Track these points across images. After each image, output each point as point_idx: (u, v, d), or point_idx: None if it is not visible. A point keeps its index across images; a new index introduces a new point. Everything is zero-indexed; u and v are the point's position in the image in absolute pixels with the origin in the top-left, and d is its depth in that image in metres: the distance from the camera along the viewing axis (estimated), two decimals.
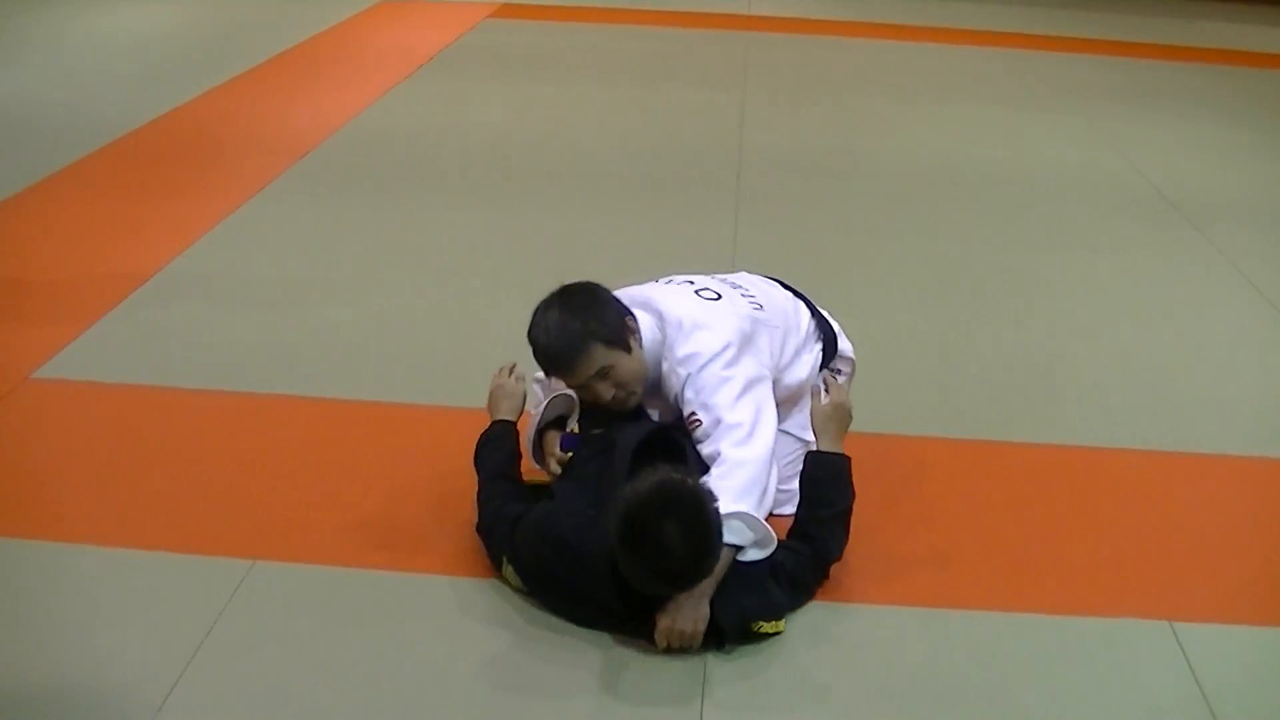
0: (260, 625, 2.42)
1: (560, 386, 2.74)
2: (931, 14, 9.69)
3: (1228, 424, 3.44)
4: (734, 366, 2.60)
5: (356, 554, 2.65)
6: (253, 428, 3.17)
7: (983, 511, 2.93)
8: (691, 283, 2.85)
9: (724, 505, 2.35)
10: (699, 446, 2.58)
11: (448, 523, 2.76)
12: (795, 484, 2.66)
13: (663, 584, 2.30)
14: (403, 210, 4.82)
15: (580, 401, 2.74)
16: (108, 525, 2.72)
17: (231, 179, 5.09)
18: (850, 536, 2.59)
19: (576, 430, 2.75)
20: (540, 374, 2.78)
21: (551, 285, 2.70)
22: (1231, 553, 2.86)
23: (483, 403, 2.81)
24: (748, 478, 2.47)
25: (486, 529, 2.62)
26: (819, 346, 2.93)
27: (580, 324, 2.57)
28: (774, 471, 2.54)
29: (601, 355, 2.57)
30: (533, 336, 2.63)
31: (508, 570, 2.53)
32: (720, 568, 2.36)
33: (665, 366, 2.66)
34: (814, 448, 2.67)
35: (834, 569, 2.59)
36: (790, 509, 2.65)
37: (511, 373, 2.85)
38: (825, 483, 2.61)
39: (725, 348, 2.61)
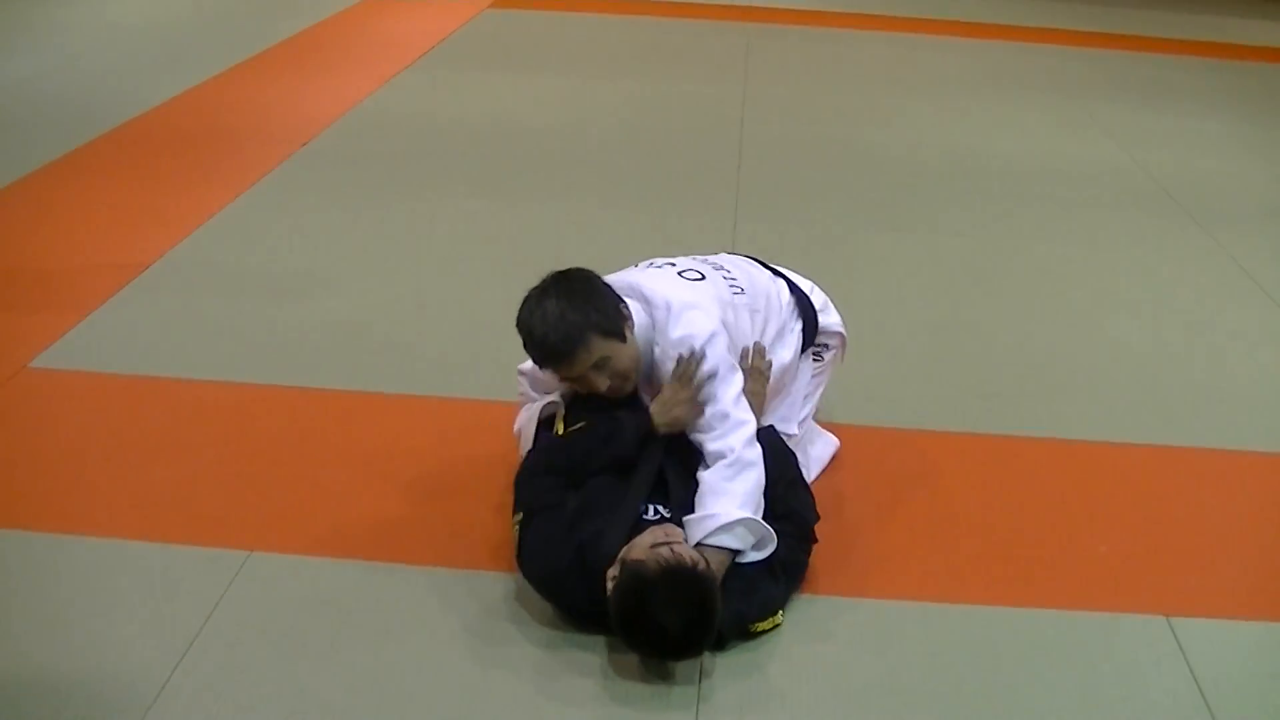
0: (256, 616, 2.42)
1: (546, 375, 2.64)
2: (933, 7, 9.66)
3: (1227, 419, 3.44)
4: (730, 353, 2.57)
5: (353, 546, 2.64)
6: (250, 419, 3.16)
7: (981, 506, 2.93)
8: (674, 264, 2.78)
9: (731, 509, 2.35)
10: (699, 436, 2.51)
11: (446, 515, 2.75)
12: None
13: (654, 656, 2.29)
14: (403, 199, 4.81)
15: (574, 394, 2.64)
16: (104, 515, 2.72)
17: (231, 167, 5.08)
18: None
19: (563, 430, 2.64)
20: (526, 364, 2.68)
21: None
22: (1228, 548, 2.86)
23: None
24: (755, 481, 2.44)
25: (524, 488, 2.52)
26: (799, 325, 2.87)
27: (580, 316, 2.45)
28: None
29: (600, 347, 2.48)
30: (527, 327, 2.49)
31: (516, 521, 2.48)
32: (720, 569, 2.34)
33: (658, 351, 2.57)
34: (793, 442, 2.63)
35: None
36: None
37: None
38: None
39: (714, 334, 2.54)
